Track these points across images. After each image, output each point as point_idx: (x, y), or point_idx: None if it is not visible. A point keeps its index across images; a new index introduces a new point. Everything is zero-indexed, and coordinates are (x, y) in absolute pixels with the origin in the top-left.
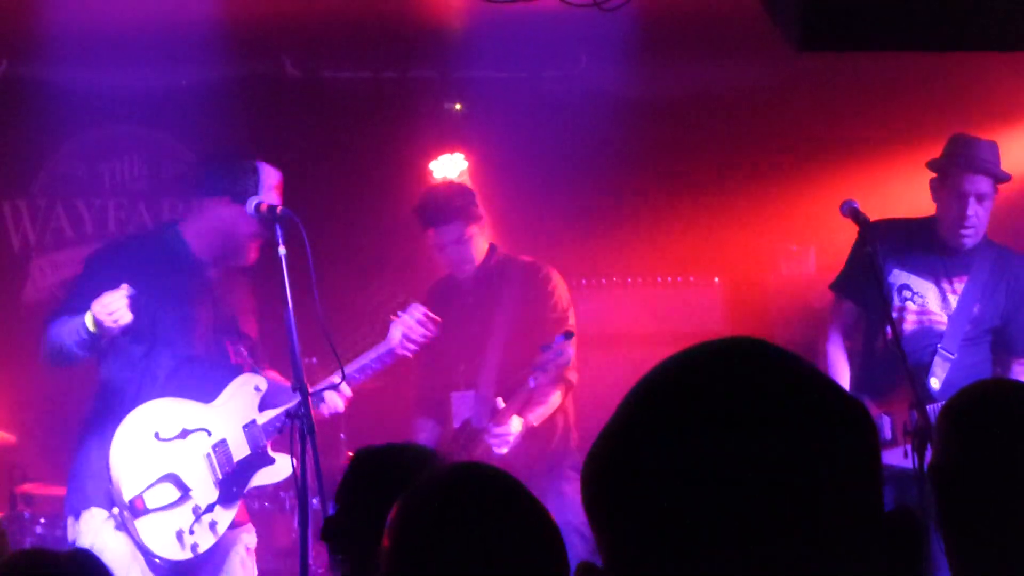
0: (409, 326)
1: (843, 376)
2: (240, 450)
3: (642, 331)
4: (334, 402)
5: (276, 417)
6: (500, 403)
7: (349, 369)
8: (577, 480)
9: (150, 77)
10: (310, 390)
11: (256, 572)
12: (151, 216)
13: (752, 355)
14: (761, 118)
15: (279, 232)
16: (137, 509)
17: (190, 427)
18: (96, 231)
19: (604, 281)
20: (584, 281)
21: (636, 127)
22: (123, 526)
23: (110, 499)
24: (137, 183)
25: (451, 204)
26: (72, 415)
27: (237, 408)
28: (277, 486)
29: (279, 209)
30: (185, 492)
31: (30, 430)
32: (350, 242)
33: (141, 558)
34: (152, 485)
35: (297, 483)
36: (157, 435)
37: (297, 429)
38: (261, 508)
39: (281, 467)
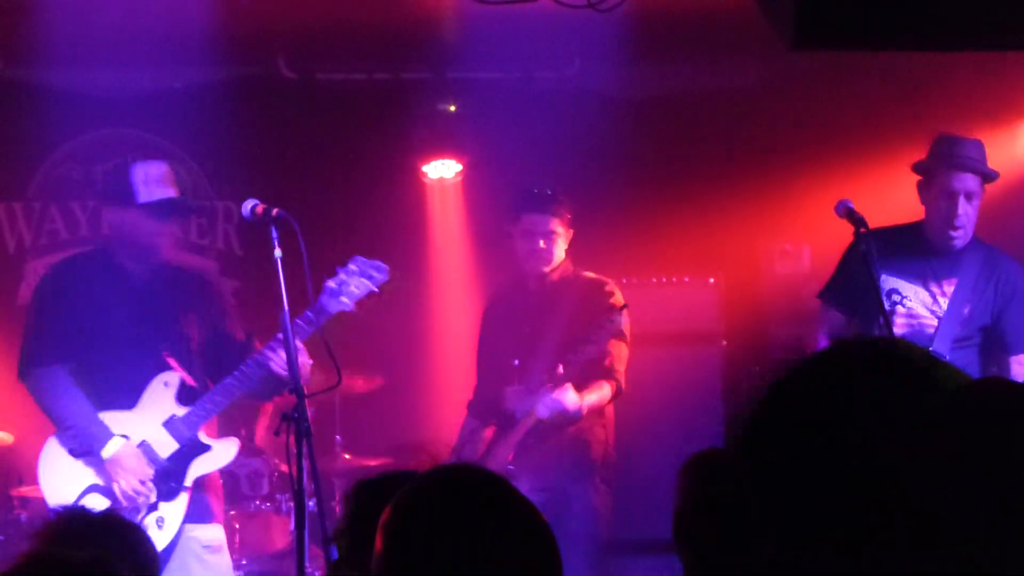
0: (343, 280)
1: None
2: (166, 447)
3: (638, 331)
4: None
5: (198, 406)
6: (560, 369)
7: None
8: (607, 493)
9: (145, 79)
10: (306, 392)
11: (227, 568)
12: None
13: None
14: (754, 117)
15: (274, 234)
16: None
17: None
18: (91, 233)
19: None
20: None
21: (630, 127)
22: None
23: None
24: None
25: (555, 198)
26: None
27: (155, 408)
28: (274, 488)
29: (275, 211)
30: (114, 500)
31: (27, 432)
32: (343, 243)
33: None
34: (79, 499)
35: (293, 486)
36: (72, 451)
37: (293, 431)
38: (257, 510)
39: (220, 452)
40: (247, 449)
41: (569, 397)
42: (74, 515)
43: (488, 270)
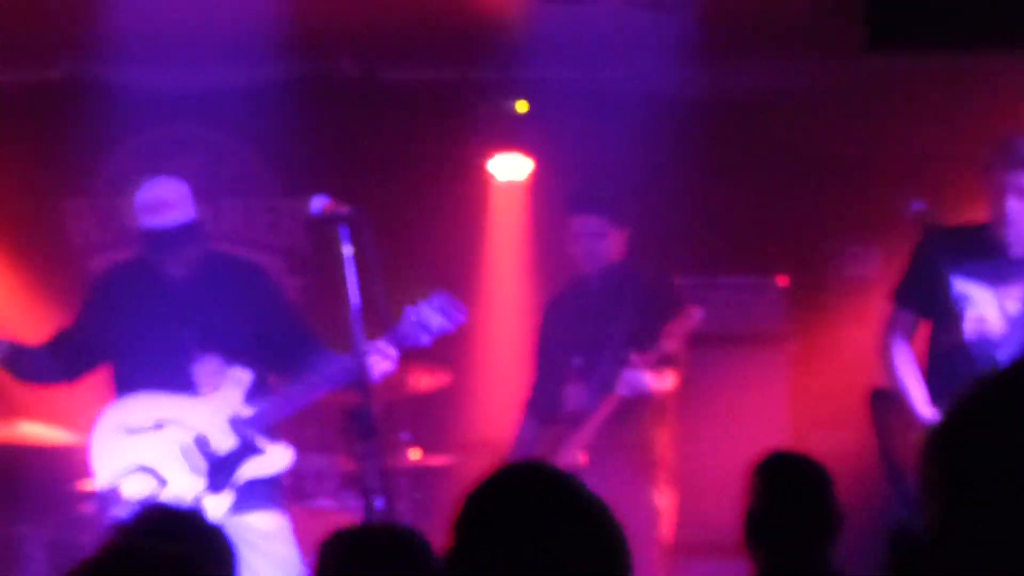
0: (425, 314)
1: (916, 386)
2: (223, 443)
3: (703, 332)
4: (378, 366)
5: (261, 410)
6: (634, 356)
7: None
8: (670, 495)
9: (210, 77)
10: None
11: (290, 556)
12: (211, 217)
13: None
14: (824, 118)
15: (343, 232)
16: (113, 498)
17: (164, 419)
18: None
19: (677, 283)
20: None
21: (697, 127)
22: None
23: None
24: (197, 182)
25: (601, 197)
26: None
27: (220, 401)
28: (340, 486)
29: (344, 209)
30: (162, 482)
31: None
32: (408, 243)
33: None
34: (125, 476)
35: (362, 483)
36: (128, 428)
37: (358, 429)
38: (323, 509)
39: (274, 458)
40: (313, 446)
41: (647, 376)
42: (160, 511)
43: (552, 269)
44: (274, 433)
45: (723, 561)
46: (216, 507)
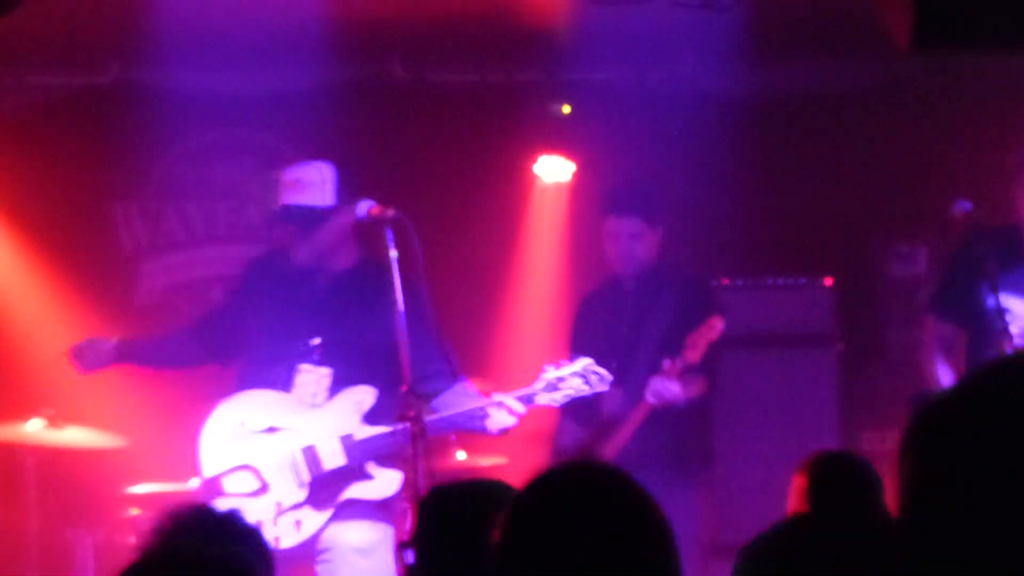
0: (564, 377)
1: None
2: (333, 459)
3: (751, 333)
4: (501, 419)
5: (377, 436)
6: (667, 363)
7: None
8: (707, 495)
9: (259, 80)
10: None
11: (382, 571)
12: (261, 219)
13: None
14: (871, 117)
15: (389, 235)
16: (213, 490)
17: (279, 425)
18: (206, 234)
19: (713, 283)
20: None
21: (744, 127)
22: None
23: None
24: (247, 186)
25: (635, 198)
26: (184, 415)
27: (337, 417)
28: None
29: (390, 212)
30: (264, 486)
31: (142, 432)
32: (454, 245)
33: None
34: (230, 471)
35: (410, 484)
36: (244, 425)
37: (409, 432)
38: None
39: (381, 483)
40: None
41: (676, 386)
42: (199, 513)
43: (592, 271)
44: (385, 459)
45: None
46: (313, 522)
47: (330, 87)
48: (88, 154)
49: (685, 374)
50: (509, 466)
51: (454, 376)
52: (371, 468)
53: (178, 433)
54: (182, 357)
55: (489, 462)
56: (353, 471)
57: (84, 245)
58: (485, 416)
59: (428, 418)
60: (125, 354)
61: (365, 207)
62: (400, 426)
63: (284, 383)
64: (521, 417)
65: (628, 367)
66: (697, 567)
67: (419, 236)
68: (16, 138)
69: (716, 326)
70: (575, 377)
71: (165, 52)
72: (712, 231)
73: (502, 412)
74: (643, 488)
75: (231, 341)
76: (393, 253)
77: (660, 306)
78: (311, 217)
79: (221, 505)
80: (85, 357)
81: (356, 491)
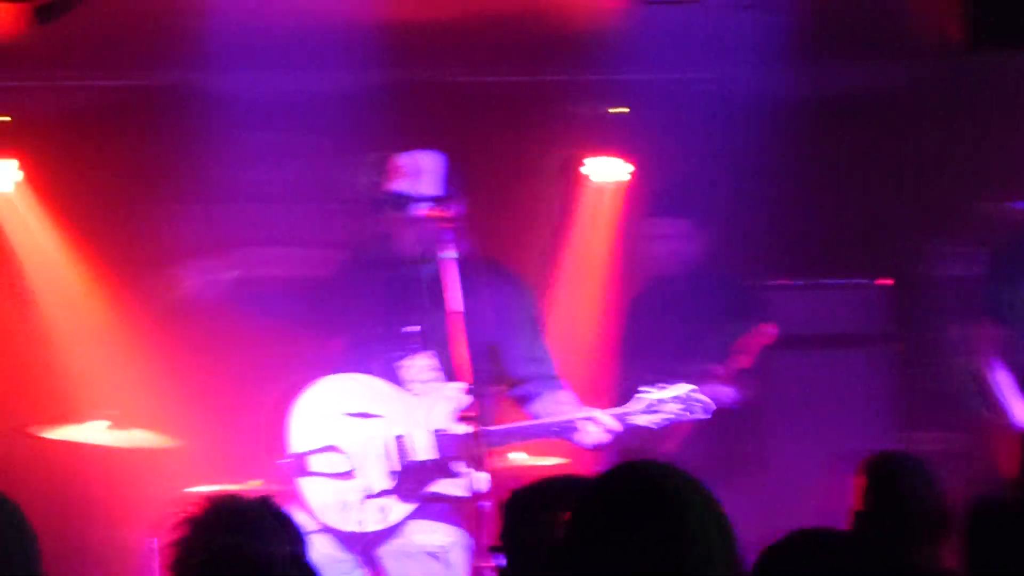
0: (663, 400)
1: (1013, 399)
2: (421, 452)
3: (806, 333)
4: (594, 434)
5: (470, 438)
6: (717, 368)
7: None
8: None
9: (311, 83)
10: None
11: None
12: (315, 223)
13: None
14: (927, 117)
15: (449, 236)
16: (300, 467)
17: (374, 411)
18: (259, 236)
19: (767, 283)
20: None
21: (797, 127)
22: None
23: None
24: (301, 189)
25: (685, 199)
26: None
27: (432, 409)
28: None
29: (448, 213)
30: (352, 469)
31: (197, 433)
32: (506, 246)
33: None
34: (318, 450)
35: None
36: (339, 407)
37: (475, 432)
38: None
39: (468, 483)
40: None
41: (728, 390)
42: (228, 501)
43: (640, 272)
44: (477, 461)
45: None
46: (398, 511)
47: (383, 88)
48: (141, 156)
49: (733, 379)
50: (570, 467)
51: (553, 381)
52: (460, 466)
53: (236, 434)
54: (290, 309)
55: (550, 463)
56: (442, 466)
57: (132, 245)
58: (577, 429)
59: (523, 423)
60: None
61: (425, 207)
62: (498, 432)
63: (384, 370)
64: (615, 435)
65: (676, 370)
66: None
67: (472, 237)
68: (70, 140)
69: (767, 331)
70: (676, 402)
71: (217, 55)
72: (766, 232)
73: (597, 428)
74: (707, 488)
75: (330, 318)
76: (449, 253)
77: (708, 310)
78: (420, 206)
79: (306, 483)
80: (202, 284)
81: (443, 487)
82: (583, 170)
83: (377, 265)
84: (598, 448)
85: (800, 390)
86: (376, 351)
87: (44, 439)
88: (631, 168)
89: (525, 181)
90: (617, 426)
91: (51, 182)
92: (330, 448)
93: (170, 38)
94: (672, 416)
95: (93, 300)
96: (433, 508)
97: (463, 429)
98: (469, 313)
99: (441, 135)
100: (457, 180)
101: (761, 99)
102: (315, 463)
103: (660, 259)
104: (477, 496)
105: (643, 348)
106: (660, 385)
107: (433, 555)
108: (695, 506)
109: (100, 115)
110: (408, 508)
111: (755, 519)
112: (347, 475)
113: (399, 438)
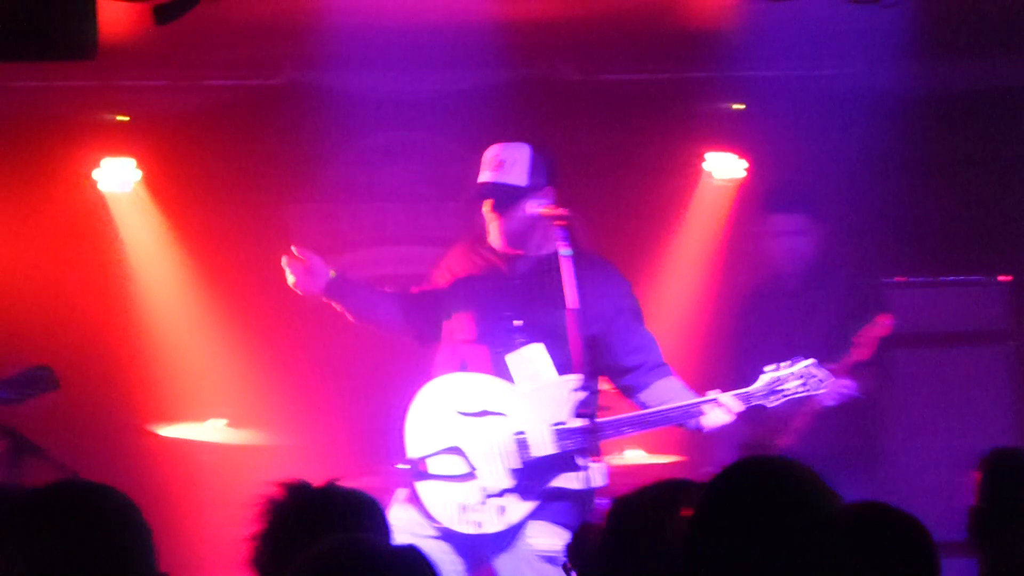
0: (783, 378)
1: None
2: (542, 447)
3: (926, 330)
4: (716, 417)
5: (590, 430)
6: (835, 364)
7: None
8: (873, 483)
9: (430, 82)
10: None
11: None
12: (433, 221)
13: None
14: None
15: (562, 233)
16: (418, 471)
17: (492, 409)
18: (378, 235)
19: (887, 280)
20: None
21: (916, 125)
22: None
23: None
24: (419, 188)
25: (800, 195)
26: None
27: (548, 404)
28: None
29: (560, 210)
30: (471, 470)
31: (312, 432)
32: (625, 241)
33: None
34: (437, 453)
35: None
36: (455, 407)
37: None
38: None
39: (589, 476)
40: None
41: (848, 383)
42: (302, 491)
43: (755, 268)
44: (594, 451)
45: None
46: (518, 510)
47: (500, 87)
48: (261, 155)
49: (853, 372)
50: (687, 463)
51: (662, 368)
52: (581, 459)
53: (345, 432)
54: (387, 315)
55: (666, 460)
56: (562, 461)
57: (259, 245)
58: (700, 413)
59: (643, 412)
60: (338, 289)
61: (536, 205)
62: (616, 422)
63: (494, 364)
64: (736, 416)
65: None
66: None
67: (590, 233)
68: (191, 140)
69: (885, 322)
70: (794, 379)
71: (337, 54)
72: (886, 228)
73: (720, 410)
74: (828, 482)
75: (432, 320)
76: (566, 251)
77: (825, 303)
78: (506, 196)
79: (424, 487)
80: (304, 278)
81: (562, 481)
82: (703, 166)
83: (477, 263)
84: (720, 430)
85: (919, 387)
86: (486, 344)
87: (163, 437)
88: (748, 164)
89: (644, 178)
90: (740, 406)
91: (169, 182)
92: (450, 450)
93: (288, 37)
94: (791, 393)
95: (209, 299)
96: (550, 510)
97: (581, 422)
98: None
99: (559, 133)
100: (547, 171)
101: (881, 95)
102: (435, 466)
103: (777, 255)
104: (595, 490)
105: (758, 343)
106: (779, 364)
107: (549, 559)
108: (819, 501)
109: (218, 115)
110: (527, 507)
111: None
112: (468, 476)
113: (518, 435)
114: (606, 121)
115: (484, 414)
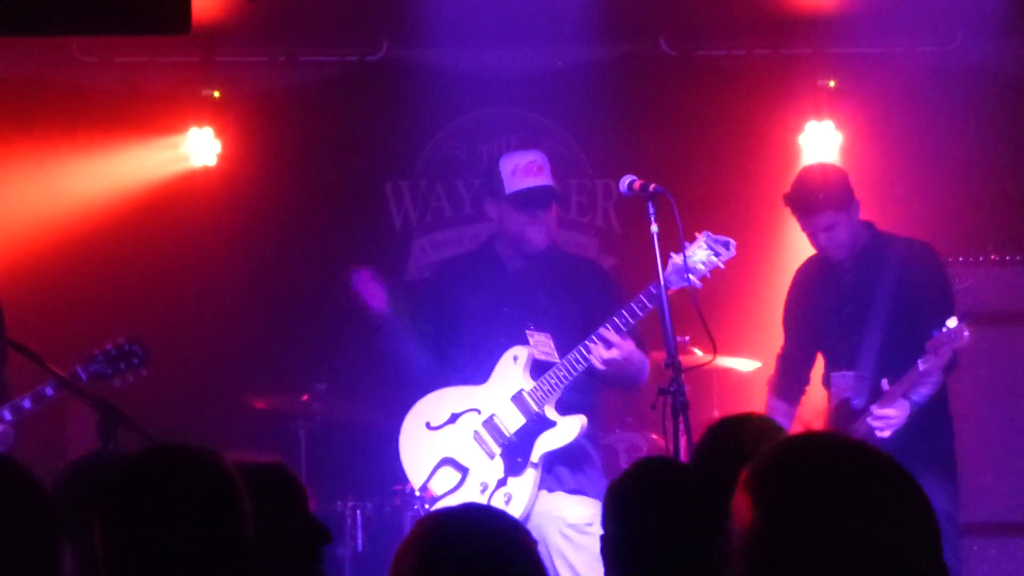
0: (688, 255)
1: None
2: (513, 421)
3: (995, 311)
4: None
5: (543, 381)
6: (885, 384)
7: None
8: (954, 477)
9: (527, 58)
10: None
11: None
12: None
13: None
14: None
15: (651, 209)
16: (428, 498)
17: (458, 410)
18: (475, 211)
19: (980, 259)
20: (960, 258)
21: (1012, 103)
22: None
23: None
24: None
25: (815, 196)
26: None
27: (504, 382)
28: None
29: (651, 187)
30: (464, 472)
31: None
32: (720, 219)
33: None
34: (433, 472)
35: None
36: (428, 424)
37: (670, 405)
38: None
39: (565, 428)
40: (625, 423)
41: (899, 410)
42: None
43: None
44: (567, 406)
45: (1010, 540)
46: (522, 489)
47: (597, 64)
48: (359, 131)
49: (921, 378)
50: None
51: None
52: (551, 415)
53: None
54: (416, 365)
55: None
56: (535, 424)
57: (357, 222)
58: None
59: (567, 357)
60: (385, 323)
61: (627, 181)
62: (558, 364)
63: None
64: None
65: (857, 348)
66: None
67: (684, 210)
68: (288, 116)
69: (962, 335)
70: (701, 251)
71: (433, 30)
72: (979, 206)
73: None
74: (894, 461)
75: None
76: (654, 228)
77: (882, 279)
78: (543, 198)
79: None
80: (372, 292)
81: (545, 442)
82: (799, 140)
83: (498, 257)
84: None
85: (988, 370)
86: (500, 335)
87: (258, 408)
88: (846, 140)
89: (739, 154)
90: (656, 295)
91: (257, 157)
92: (441, 463)
93: (381, 14)
94: (703, 268)
95: (311, 276)
96: (571, 482)
97: (532, 383)
98: (568, 302)
99: (654, 109)
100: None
101: (978, 73)
102: (437, 485)
103: (819, 253)
104: (583, 443)
105: (821, 330)
106: (685, 244)
107: (578, 528)
108: (907, 484)
109: (309, 91)
110: (529, 483)
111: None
112: (464, 478)
113: (487, 422)
114: (702, 97)
115: (455, 418)
